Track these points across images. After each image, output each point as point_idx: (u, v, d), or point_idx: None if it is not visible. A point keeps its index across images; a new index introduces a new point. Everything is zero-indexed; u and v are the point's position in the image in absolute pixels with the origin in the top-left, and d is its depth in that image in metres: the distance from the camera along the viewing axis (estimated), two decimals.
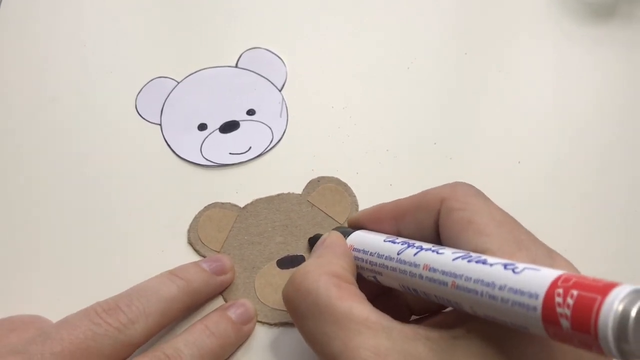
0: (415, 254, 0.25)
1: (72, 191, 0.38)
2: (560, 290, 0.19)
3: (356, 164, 0.39)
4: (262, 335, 0.33)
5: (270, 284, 0.34)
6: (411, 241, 0.26)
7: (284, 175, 0.38)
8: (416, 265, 0.24)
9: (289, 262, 0.35)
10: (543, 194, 0.38)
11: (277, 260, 0.35)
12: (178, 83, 0.42)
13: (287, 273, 0.34)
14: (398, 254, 0.26)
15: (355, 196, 0.37)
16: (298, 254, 0.35)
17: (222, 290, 0.34)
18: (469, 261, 0.22)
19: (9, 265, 0.35)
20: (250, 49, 0.44)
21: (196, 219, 0.36)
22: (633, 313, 0.17)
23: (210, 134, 0.40)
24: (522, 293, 0.20)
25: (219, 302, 0.34)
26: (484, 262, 0.22)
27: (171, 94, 0.42)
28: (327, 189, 0.37)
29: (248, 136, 0.40)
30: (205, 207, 0.37)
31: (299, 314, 0.26)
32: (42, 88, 0.42)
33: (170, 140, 0.40)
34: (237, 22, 0.45)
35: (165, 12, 0.46)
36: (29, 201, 0.37)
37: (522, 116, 0.41)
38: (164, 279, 0.31)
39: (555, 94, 0.42)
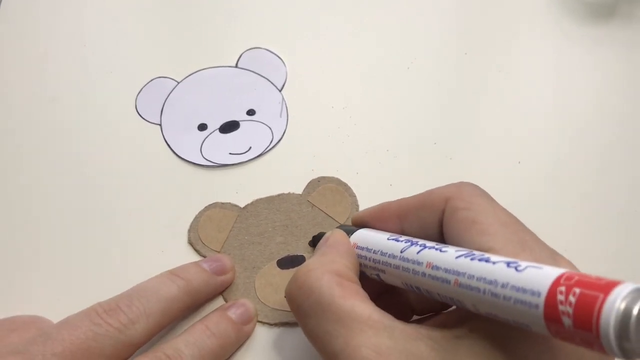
0: (419, 252, 0.25)
1: (72, 191, 0.38)
2: (563, 288, 0.19)
3: (356, 164, 0.39)
4: (262, 336, 0.33)
5: (271, 284, 0.34)
6: (414, 239, 0.26)
7: (284, 175, 0.38)
8: (419, 263, 0.24)
9: (289, 262, 0.35)
10: (543, 194, 0.38)
11: (278, 260, 0.35)
12: (178, 83, 0.42)
13: (287, 273, 0.34)
14: (401, 252, 0.26)
15: (355, 196, 0.37)
16: (298, 254, 0.35)
17: (222, 290, 0.34)
18: (472, 259, 0.22)
19: (9, 265, 0.35)
20: (250, 49, 0.44)
21: (196, 219, 0.36)
22: (635, 311, 0.17)
23: (210, 134, 0.40)
24: (524, 291, 0.20)
25: (219, 302, 0.34)
26: (487, 260, 0.22)
27: (171, 94, 0.42)
28: (327, 189, 0.37)
29: (248, 136, 0.40)
30: (205, 207, 0.37)
31: (302, 312, 0.26)
32: (42, 88, 0.42)
33: (170, 141, 0.40)
34: (237, 22, 0.45)
35: (165, 12, 0.46)
36: (29, 201, 0.37)
37: (522, 116, 0.41)
38: (164, 278, 0.31)
39: (555, 94, 0.42)
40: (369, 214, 0.30)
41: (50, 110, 0.41)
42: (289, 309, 0.32)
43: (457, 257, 0.23)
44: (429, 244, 0.25)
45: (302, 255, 0.35)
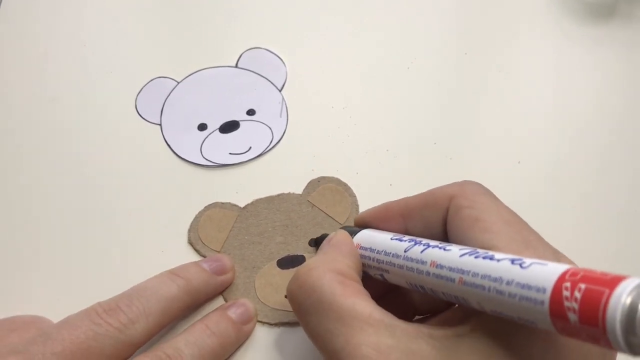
0: (423, 251, 0.25)
1: (72, 191, 0.38)
2: (568, 284, 0.18)
3: (356, 164, 0.39)
4: (262, 335, 0.33)
5: (271, 283, 0.34)
6: (418, 239, 0.26)
7: (284, 175, 0.38)
8: (423, 262, 0.24)
9: (289, 262, 0.35)
10: (543, 194, 0.38)
11: (278, 260, 0.35)
12: (178, 83, 0.42)
13: (287, 273, 0.34)
14: (405, 252, 0.26)
15: (355, 196, 0.37)
16: (298, 254, 0.35)
17: (222, 290, 0.34)
18: (476, 257, 0.22)
19: (9, 265, 0.35)
20: (250, 49, 0.44)
21: (196, 218, 0.36)
22: None
23: (210, 134, 0.40)
24: (529, 287, 0.20)
25: (219, 302, 0.34)
26: (491, 258, 0.22)
27: (171, 94, 0.42)
28: (327, 189, 0.37)
29: (248, 136, 0.40)
30: (205, 207, 0.37)
31: (303, 310, 0.26)
32: (42, 88, 0.42)
33: (170, 140, 0.40)
34: (237, 22, 0.45)
35: (165, 12, 0.46)
36: (29, 201, 0.37)
37: (522, 116, 0.41)
38: (164, 278, 0.31)
39: (555, 94, 0.42)
40: (372, 214, 0.30)
41: (50, 110, 0.41)
42: (289, 309, 0.32)
43: (461, 256, 0.23)
44: (432, 242, 0.25)
45: (302, 255, 0.35)
